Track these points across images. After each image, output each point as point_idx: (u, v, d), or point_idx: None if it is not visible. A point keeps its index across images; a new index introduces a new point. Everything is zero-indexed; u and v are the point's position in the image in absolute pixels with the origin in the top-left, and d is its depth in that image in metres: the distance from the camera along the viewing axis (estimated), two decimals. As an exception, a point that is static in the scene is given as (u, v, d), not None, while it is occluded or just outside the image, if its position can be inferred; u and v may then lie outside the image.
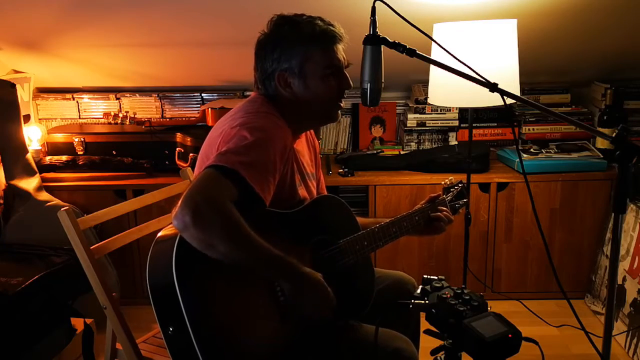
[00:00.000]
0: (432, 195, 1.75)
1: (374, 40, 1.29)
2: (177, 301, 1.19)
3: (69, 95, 2.97)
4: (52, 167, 2.73)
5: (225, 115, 1.47)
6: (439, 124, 2.90)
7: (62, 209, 1.50)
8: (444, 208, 1.72)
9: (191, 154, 2.65)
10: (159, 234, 1.32)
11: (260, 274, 1.31)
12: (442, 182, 1.83)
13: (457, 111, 2.88)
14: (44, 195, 2.58)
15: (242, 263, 1.24)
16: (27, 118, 2.77)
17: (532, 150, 2.73)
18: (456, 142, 2.90)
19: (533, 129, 2.85)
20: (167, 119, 2.96)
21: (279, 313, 1.33)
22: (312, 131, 1.70)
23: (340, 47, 1.45)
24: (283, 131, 1.39)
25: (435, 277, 1.29)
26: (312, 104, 1.45)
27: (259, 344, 1.29)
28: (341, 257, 1.48)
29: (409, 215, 1.64)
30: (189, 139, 2.68)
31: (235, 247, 1.19)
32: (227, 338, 1.24)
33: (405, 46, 1.27)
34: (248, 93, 2.91)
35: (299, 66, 1.41)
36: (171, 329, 1.22)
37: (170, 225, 1.24)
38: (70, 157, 2.74)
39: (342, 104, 1.49)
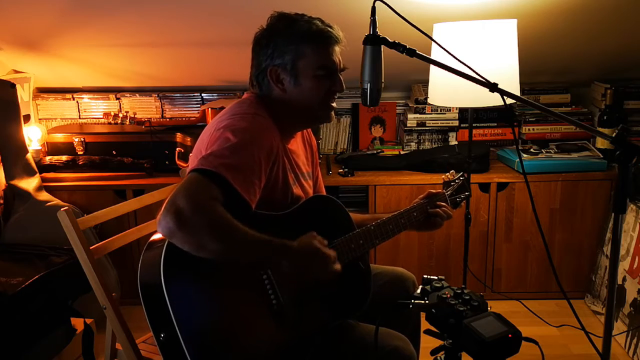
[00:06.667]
0: (432, 190, 1.73)
1: (374, 40, 1.29)
2: (167, 308, 1.18)
3: (69, 95, 2.97)
4: (52, 167, 2.73)
5: (216, 116, 1.46)
6: (439, 124, 2.90)
7: (62, 209, 1.50)
8: (443, 203, 1.71)
9: (191, 154, 2.65)
10: (150, 239, 1.31)
11: (255, 262, 1.31)
12: (443, 176, 1.82)
13: (457, 111, 2.88)
14: (44, 195, 2.58)
15: (236, 255, 1.24)
16: (27, 118, 2.77)
17: (532, 150, 2.73)
18: (456, 142, 2.90)
19: (533, 129, 2.85)
20: (167, 119, 2.96)
21: (274, 318, 1.32)
22: (309, 130, 1.68)
23: (336, 49, 1.44)
24: (270, 132, 1.37)
25: (435, 277, 1.29)
26: (303, 103, 1.44)
27: (253, 350, 1.28)
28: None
29: (406, 212, 1.63)
30: (189, 139, 2.68)
31: (225, 241, 1.18)
32: (218, 345, 1.24)
33: (405, 46, 1.27)
34: (248, 93, 2.91)
35: (291, 62, 1.41)
36: (162, 335, 1.22)
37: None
38: (70, 157, 2.74)
39: (334, 105, 1.48)
